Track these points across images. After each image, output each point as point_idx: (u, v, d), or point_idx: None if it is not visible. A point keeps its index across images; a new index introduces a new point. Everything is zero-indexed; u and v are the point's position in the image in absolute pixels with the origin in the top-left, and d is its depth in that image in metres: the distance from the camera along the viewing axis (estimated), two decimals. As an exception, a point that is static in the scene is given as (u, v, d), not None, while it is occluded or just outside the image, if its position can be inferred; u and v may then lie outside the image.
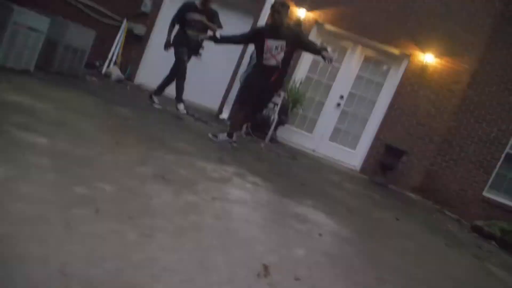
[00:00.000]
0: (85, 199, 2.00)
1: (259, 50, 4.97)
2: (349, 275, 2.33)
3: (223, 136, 5.08)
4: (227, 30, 8.48)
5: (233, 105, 7.29)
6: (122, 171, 2.65)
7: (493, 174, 8.08)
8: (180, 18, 6.44)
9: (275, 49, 4.83)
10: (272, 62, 4.88)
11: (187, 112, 6.72)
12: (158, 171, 2.89)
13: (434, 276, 2.98)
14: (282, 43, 4.80)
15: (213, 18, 6.47)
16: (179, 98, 6.47)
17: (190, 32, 6.36)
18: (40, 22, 5.22)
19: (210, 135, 5.09)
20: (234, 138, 5.12)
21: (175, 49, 6.45)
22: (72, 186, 2.09)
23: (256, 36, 5.06)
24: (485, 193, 8.06)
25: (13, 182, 1.89)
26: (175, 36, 6.53)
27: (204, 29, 6.35)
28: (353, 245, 2.95)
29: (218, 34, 5.67)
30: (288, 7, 4.96)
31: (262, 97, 5.15)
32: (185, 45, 6.41)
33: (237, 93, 6.84)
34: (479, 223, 6.34)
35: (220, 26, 6.46)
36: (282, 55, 4.84)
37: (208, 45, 6.96)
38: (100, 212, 1.90)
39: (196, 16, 6.32)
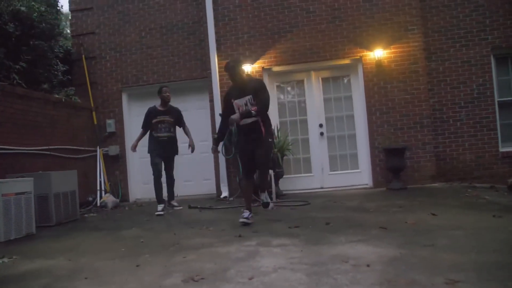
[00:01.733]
0: None
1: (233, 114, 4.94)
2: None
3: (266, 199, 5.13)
4: (189, 111, 8.77)
5: (239, 181, 7.23)
6: (152, 292, 2.57)
7: (498, 127, 8.06)
8: (147, 124, 6.86)
9: (244, 105, 4.83)
10: (248, 120, 4.82)
11: (190, 206, 6.79)
12: (186, 276, 2.81)
13: (502, 256, 2.84)
14: (249, 98, 4.81)
15: (178, 116, 7.02)
16: (169, 197, 7.01)
17: (159, 134, 6.76)
18: (25, 183, 5.39)
19: (243, 220, 4.87)
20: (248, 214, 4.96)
21: (150, 156, 6.91)
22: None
23: (227, 103, 5.05)
24: (502, 149, 8.00)
25: None
26: (148, 143, 6.96)
27: (171, 126, 6.84)
28: (404, 261, 2.83)
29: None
30: (239, 63, 4.98)
31: (258, 155, 4.89)
32: (157, 149, 6.79)
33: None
34: (514, 179, 6.10)
35: (184, 125, 7.12)
36: (254, 108, 4.77)
37: (181, 134, 7.12)
38: None
39: (160, 118, 6.76)
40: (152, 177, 6.82)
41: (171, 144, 6.88)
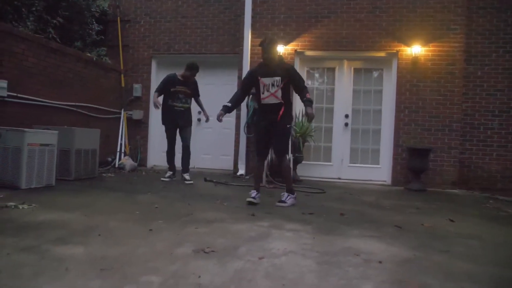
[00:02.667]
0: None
1: (257, 92, 4.94)
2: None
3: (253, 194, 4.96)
4: (215, 85, 8.75)
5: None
6: (162, 257, 2.59)
7: (531, 141, 7.80)
8: (163, 91, 6.76)
9: (271, 86, 4.79)
10: (272, 100, 4.82)
11: (205, 179, 6.81)
12: (197, 247, 2.82)
13: None
14: (277, 79, 4.76)
15: (195, 87, 6.94)
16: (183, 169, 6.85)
17: (175, 104, 6.70)
18: (50, 136, 5.48)
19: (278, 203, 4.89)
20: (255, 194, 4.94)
21: (165, 126, 6.88)
22: (121, 287, 2.06)
23: (252, 79, 4.98)
24: (531, 163, 7.75)
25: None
26: (162, 113, 6.90)
27: (187, 98, 6.77)
28: (417, 264, 2.77)
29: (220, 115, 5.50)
30: (275, 42, 4.90)
31: (276, 137, 4.91)
32: (172, 119, 6.73)
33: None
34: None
35: (199, 96, 7.01)
36: (280, 91, 4.78)
37: (205, 107, 7.10)
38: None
39: (179, 88, 6.68)
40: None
41: (187, 115, 6.83)
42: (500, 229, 4.28)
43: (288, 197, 4.94)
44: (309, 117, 4.77)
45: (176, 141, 6.88)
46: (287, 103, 4.92)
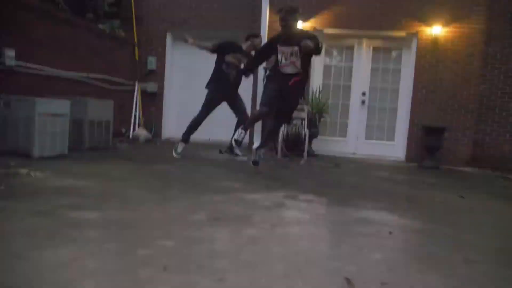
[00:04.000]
0: (151, 259, 1.98)
1: (275, 59, 4.86)
2: (435, 266, 2.19)
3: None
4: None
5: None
6: (177, 223, 2.64)
7: (545, 125, 7.70)
8: (219, 53, 6.26)
9: (290, 55, 4.68)
10: (290, 69, 4.72)
11: (220, 151, 6.77)
12: (211, 215, 2.87)
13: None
14: (296, 49, 4.62)
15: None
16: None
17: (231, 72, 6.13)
18: (62, 106, 5.45)
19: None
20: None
21: (210, 93, 6.25)
22: (134, 250, 2.10)
23: (271, 46, 4.89)
24: (543, 145, 7.67)
25: (80, 260, 1.91)
26: (213, 79, 6.32)
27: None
28: (427, 235, 2.81)
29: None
30: (296, 12, 4.74)
31: (284, 100, 4.80)
32: (224, 89, 6.21)
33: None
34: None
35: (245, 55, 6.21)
36: (299, 61, 4.67)
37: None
38: (168, 268, 1.87)
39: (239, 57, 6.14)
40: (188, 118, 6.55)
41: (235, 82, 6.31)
42: (508, 205, 4.31)
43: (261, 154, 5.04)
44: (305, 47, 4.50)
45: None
46: (305, 75, 4.85)
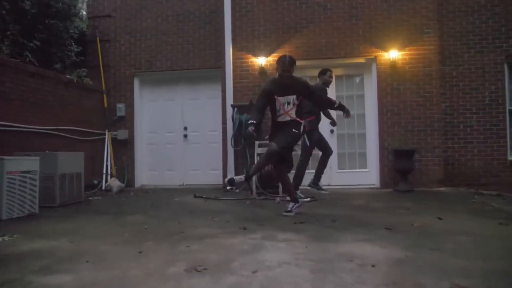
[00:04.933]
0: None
1: (272, 109, 4.95)
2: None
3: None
4: (200, 100, 8.76)
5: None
6: (154, 279, 2.55)
7: (508, 135, 7.99)
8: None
9: (287, 104, 4.81)
10: (286, 118, 4.85)
11: (195, 195, 6.73)
12: (189, 266, 2.79)
13: (508, 264, 2.79)
14: (293, 98, 4.80)
15: None
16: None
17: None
18: (31, 163, 5.36)
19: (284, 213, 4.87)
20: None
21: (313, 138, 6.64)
22: (111, 315, 2.00)
23: (269, 97, 4.93)
24: (510, 157, 7.94)
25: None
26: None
27: None
28: (410, 263, 2.79)
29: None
30: (294, 62, 4.94)
31: (281, 137, 4.81)
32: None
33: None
34: (521, 188, 6.01)
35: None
36: (294, 110, 4.81)
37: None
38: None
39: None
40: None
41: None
42: (487, 223, 4.33)
43: (294, 206, 4.93)
44: (347, 113, 5.03)
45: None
46: (298, 122, 4.89)
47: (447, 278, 2.45)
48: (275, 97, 4.86)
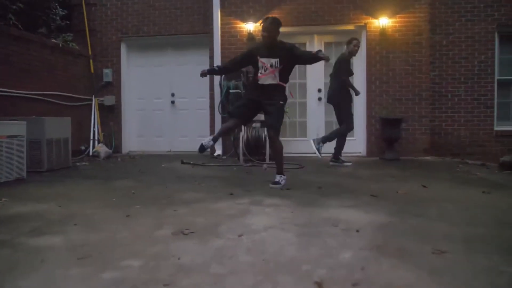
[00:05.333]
0: (118, 282, 1.93)
1: (255, 71, 4.86)
2: (406, 259, 2.22)
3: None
4: (188, 65, 8.64)
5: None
6: (142, 241, 2.59)
7: (496, 106, 8.06)
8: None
9: (270, 66, 4.68)
10: (268, 80, 4.71)
11: (182, 162, 6.74)
12: (176, 229, 2.82)
13: (489, 230, 2.87)
14: (275, 61, 4.66)
15: None
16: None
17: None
18: (18, 127, 5.31)
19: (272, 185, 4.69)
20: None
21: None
22: (100, 273, 2.04)
23: (250, 57, 4.85)
24: (497, 128, 8.02)
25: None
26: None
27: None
28: (394, 228, 2.86)
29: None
30: (278, 24, 4.72)
31: (268, 112, 4.74)
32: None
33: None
34: (506, 158, 6.04)
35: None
36: (277, 73, 4.68)
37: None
38: (136, 291, 1.83)
39: None
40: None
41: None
42: (471, 191, 4.43)
43: (281, 178, 4.78)
44: (325, 58, 4.59)
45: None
46: (281, 86, 4.81)
47: (430, 243, 2.51)
48: (258, 58, 4.74)
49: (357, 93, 6.83)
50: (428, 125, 7.84)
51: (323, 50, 8.14)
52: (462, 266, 2.15)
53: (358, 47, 6.68)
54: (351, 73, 6.71)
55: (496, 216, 3.27)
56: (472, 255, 2.32)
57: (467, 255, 2.32)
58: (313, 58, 4.69)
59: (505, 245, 2.53)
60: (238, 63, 5.12)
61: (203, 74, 5.10)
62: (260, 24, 4.92)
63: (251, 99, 4.87)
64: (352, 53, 6.64)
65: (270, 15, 4.95)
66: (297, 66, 8.19)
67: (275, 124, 4.73)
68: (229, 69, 5.38)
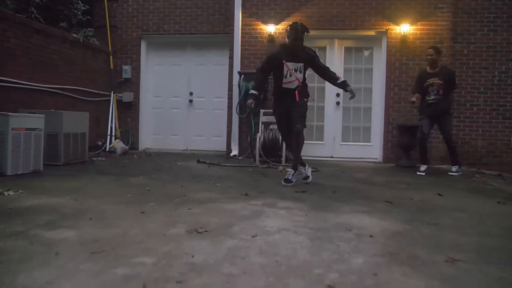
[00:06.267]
0: (129, 278, 1.94)
1: (278, 75, 4.91)
2: (418, 267, 2.20)
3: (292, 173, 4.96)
4: (207, 65, 8.68)
5: (250, 141, 7.07)
6: (155, 238, 2.60)
7: (514, 117, 7.93)
8: (418, 88, 6.64)
9: (294, 71, 4.78)
10: (293, 85, 4.84)
11: (198, 161, 6.78)
12: (190, 227, 2.83)
13: (503, 241, 2.82)
14: (300, 65, 4.79)
15: (449, 77, 6.59)
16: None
17: (428, 98, 6.59)
18: (36, 120, 5.38)
19: (283, 183, 4.84)
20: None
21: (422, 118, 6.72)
22: (113, 269, 2.05)
23: (276, 62, 4.91)
24: (514, 139, 7.90)
25: (56, 283, 1.86)
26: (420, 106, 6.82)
27: (440, 90, 6.48)
28: (407, 236, 2.83)
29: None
30: (305, 29, 4.80)
31: (294, 110, 4.85)
32: (427, 112, 6.63)
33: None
34: (523, 170, 5.98)
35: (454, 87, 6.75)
36: (302, 76, 4.84)
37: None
38: (147, 286, 1.84)
39: (431, 80, 6.51)
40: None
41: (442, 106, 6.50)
42: (486, 201, 4.36)
43: (294, 175, 4.90)
44: (353, 95, 4.92)
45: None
46: (305, 85, 4.98)
47: (442, 251, 2.48)
48: (283, 62, 4.80)
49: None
50: (445, 133, 7.73)
51: (343, 55, 8.19)
52: (474, 276, 2.12)
53: (430, 55, 6.47)
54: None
55: (511, 227, 3.22)
56: (484, 265, 2.28)
57: (480, 265, 2.29)
58: (338, 82, 4.97)
59: (520, 257, 2.49)
60: (267, 70, 5.11)
61: (250, 103, 5.00)
62: (287, 29, 4.95)
63: (280, 115, 5.08)
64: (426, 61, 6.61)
65: (297, 22, 4.98)
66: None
67: (302, 119, 4.86)
68: (262, 82, 5.27)
